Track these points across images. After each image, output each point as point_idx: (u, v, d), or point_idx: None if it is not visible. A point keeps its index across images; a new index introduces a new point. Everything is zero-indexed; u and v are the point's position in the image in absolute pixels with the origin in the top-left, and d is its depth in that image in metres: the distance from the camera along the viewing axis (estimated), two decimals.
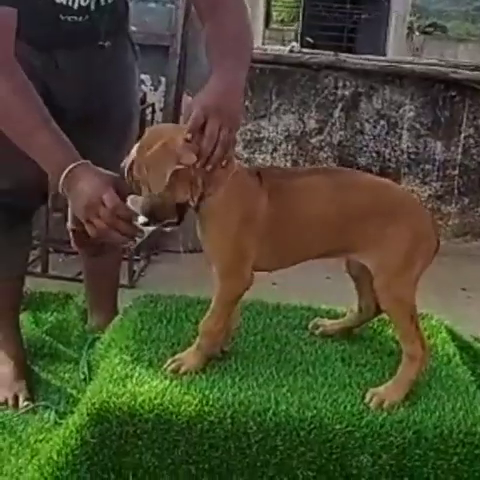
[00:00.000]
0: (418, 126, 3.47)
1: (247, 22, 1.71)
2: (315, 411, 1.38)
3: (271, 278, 2.68)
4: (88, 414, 1.39)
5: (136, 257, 3.07)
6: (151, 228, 1.46)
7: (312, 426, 1.37)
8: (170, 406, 1.37)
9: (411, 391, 1.45)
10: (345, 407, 1.40)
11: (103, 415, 1.38)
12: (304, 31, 6.32)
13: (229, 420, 1.37)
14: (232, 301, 1.46)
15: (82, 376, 1.91)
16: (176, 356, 1.50)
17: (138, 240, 1.50)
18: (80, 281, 2.52)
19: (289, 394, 1.42)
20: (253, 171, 1.44)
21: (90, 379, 1.78)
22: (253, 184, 1.41)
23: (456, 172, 3.52)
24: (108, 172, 1.52)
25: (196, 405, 1.38)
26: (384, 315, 1.66)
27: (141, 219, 1.42)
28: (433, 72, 3.35)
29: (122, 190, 1.46)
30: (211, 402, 1.38)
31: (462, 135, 3.46)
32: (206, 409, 1.37)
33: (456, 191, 3.56)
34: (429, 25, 9.06)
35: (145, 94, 3.19)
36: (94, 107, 1.87)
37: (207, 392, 1.40)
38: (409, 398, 1.44)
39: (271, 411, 1.37)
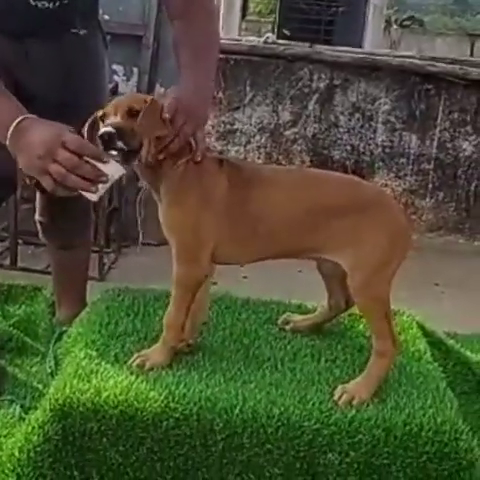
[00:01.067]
0: (393, 119, 3.46)
1: (217, 22, 1.75)
2: (283, 408, 1.36)
3: (242, 271, 2.68)
4: (51, 410, 1.35)
5: (106, 250, 3.02)
6: (116, 175, 1.35)
7: (279, 423, 1.34)
8: (135, 402, 1.35)
9: (380, 388, 1.44)
10: (313, 404, 1.38)
11: (66, 411, 1.35)
12: (281, 23, 6.28)
13: (195, 417, 1.34)
14: (189, 288, 1.43)
15: (49, 370, 1.88)
16: (142, 351, 1.47)
17: (101, 189, 1.35)
18: (49, 274, 2.47)
19: (257, 390, 1.40)
20: (214, 157, 1.45)
21: (57, 373, 1.74)
22: (212, 167, 1.41)
23: (431, 166, 3.52)
24: (57, 123, 1.41)
25: (162, 401, 1.35)
26: (354, 310, 1.65)
27: (109, 177, 1.33)
28: (409, 65, 3.34)
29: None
30: (177, 398, 1.35)
31: (437, 129, 3.46)
32: (172, 405, 1.35)
33: (430, 185, 3.56)
34: (407, 18, 9.07)
35: (117, 84, 3.14)
36: (65, 95, 1.83)
37: (173, 388, 1.38)
38: (378, 395, 1.42)
39: (238, 408, 1.35)
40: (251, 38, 3.51)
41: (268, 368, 1.49)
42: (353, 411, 1.37)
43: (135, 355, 1.46)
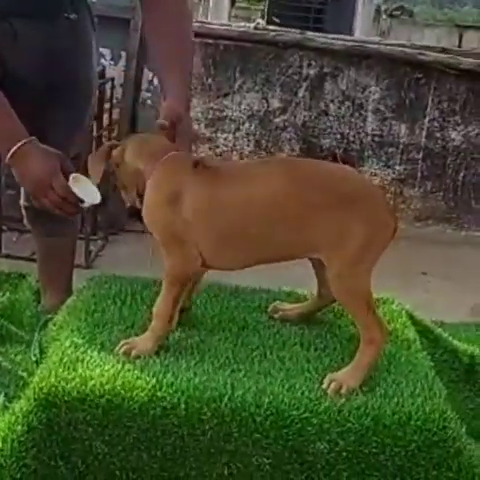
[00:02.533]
0: (383, 108, 3.44)
1: (189, 21, 1.84)
2: (272, 397, 1.35)
3: None
4: (35, 399, 1.33)
5: (93, 237, 2.99)
6: (94, 203, 1.60)
7: (268, 412, 1.33)
8: (122, 391, 1.33)
9: (369, 376, 1.43)
10: (302, 393, 1.37)
11: (51, 400, 1.32)
12: (271, 10, 6.23)
13: (183, 406, 1.32)
14: (177, 282, 1.42)
15: (33, 358, 1.84)
16: (129, 339, 1.45)
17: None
18: (35, 261, 2.44)
19: (245, 379, 1.38)
20: (192, 159, 1.44)
21: (41, 362, 1.72)
22: (182, 168, 1.41)
23: (420, 156, 3.51)
24: (54, 150, 1.60)
25: (149, 390, 1.33)
26: None
27: (86, 203, 1.58)
28: (399, 53, 3.32)
29: (66, 168, 1.59)
30: (164, 387, 1.33)
31: (427, 118, 3.45)
32: (159, 394, 1.33)
33: (419, 175, 3.55)
34: (396, 8, 9.06)
35: (104, 68, 3.10)
36: (55, 77, 1.83)
37: (160, 377, 1.35)
38: (367, 383, 1.41)
39: (226, 397, 1.33)
40: (241, 24, 3.47)
41: (257, 357, 1.47)
42: (342, 400, 1.36)
43: (122, 342, 1.44)
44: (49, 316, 1.87)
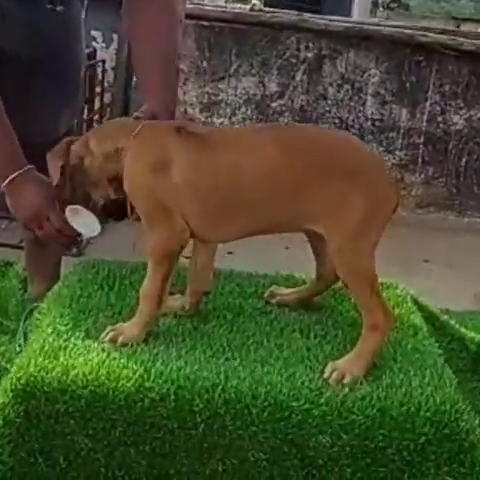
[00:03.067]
0: (383, 92, 3.36)
1: (176, 18, 1.79)
2: (269, 387, 1.26)
3: (227, 247, 2.58)
4: (12, 390, 1.24)
5: None
6: (92, 235, 1.54)
7: (266, 403, 1.24)
8: (107, 381, 1.23)
9: (374, 364, 1.34)
10: (303, 382, 1.28)
11: (30, 391, 1.23)
12: None
13: (173, 397, 1.23)
14: (164, 257, 1.33)
15: (18, 349, 1.74)
16: (116, 325, 1.36)
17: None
18: (23, 249, 2.35)
19: (240, 368, 1.29)
20: (173, 123, 1.37)
21: None
22: (164, 135, 1.33)
23: (421, 140, 3.43)
24: (48, 180, 1.52)
25: (136, 380, 1.24)
26: None
27: (85, 236, 1.54)
28: (400, 35, 3.22)
29: (61, 197, 1.50)
30: (153, 377, 1.25)
31: (428, 102, 3.36)
32: (147, 385, 1.24)
33: (420, 160, 3.47)
34: (393, 1, 9.10)
35: (95, 50, 3.01)
36: (40, 52, 1.77)
37: (149, 365, 1.27)
38: (372, 372, 1.32)
39: (220, 387, 1.25)
40: (237, 5, 3.37)
41: (253, 344, 1.39)
42: (345, 390, 1.27)
43: (108, 329, 1.36)
44: (35, 304, 1.76)
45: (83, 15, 1.92)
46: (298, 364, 1.33)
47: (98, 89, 3.08)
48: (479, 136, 3.39)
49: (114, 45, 3.20)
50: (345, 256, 1.30)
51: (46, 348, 1.30)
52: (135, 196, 1.34)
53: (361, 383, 1.29)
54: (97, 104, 3.08)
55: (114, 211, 1.43)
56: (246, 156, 1.29)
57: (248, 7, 3.29)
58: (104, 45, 3.19)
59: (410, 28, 3.26)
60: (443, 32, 3.19)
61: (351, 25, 3.28)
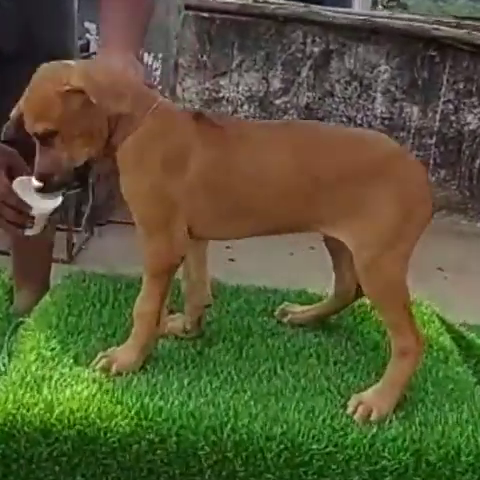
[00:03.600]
0: (393, 89, 3.21)
1: None
2: (286, 426, 1.10)
3: (228, 253, 2.44)
4: None
5: (76, 228, 2.73)
6: (47, 208, 1.29)
7: (282, 446, 1.09)
8: (97, 420, 1.08)
9: (404, 397, 1.17)
10: (324, 420, 1.12)
11: (8, 431, 1.08)
12: None
13: (174, 438, 1.07)
14: (163, 270, 1.18)
15: (2, 368, 1.59)
16: (108, 350, 1.21)
17: (28, 231, 1.33)
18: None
19: (252, 403, 1.14)
20: (189, 112, 1.20)
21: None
22: (183, 124, 1.15)
23: (433, 141, 3.28)
24: (4, 147, 1.33)
25: (132, 418, 1.09)
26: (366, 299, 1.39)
27: (35, 211, 1.28)
28: (412, 28, 3.06)
29: (17, 166, 1.31)
30: (151, 414, 1.09)
31: (441, 100, 3.22)
32: (144, 423, 1.08)
33: (432, 161, 3.33)
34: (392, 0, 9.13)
35: (89, 42, 2.84)
36: (26, 44, 1.63)
37: (146, 400, 1.11)
38: (402, 406, 1.16)
39: (229, 426, 1.09)
40: None
41: (265, 373, 1.23)
42: (373, 429, 1.11)
43: (99, 355, 1.20)
44: (21, 319, 1.62)
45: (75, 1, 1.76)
46: (317, 397, 1.18)
47: None
48: None
49: None
50: (373, 270, 1.15)
51: (27, 379, 1.14)
52: (135, 198, 1.16)
53: (391, 421, 1.13)
54: None
55: (79, 177, 1.20)
56: (265, 153, 1.15)
57: None
58: (98, 37, 3.02)
59: (423, 21, 3.10)
60: (458, 26, 3.03)
61: (360, 18, 3.13)
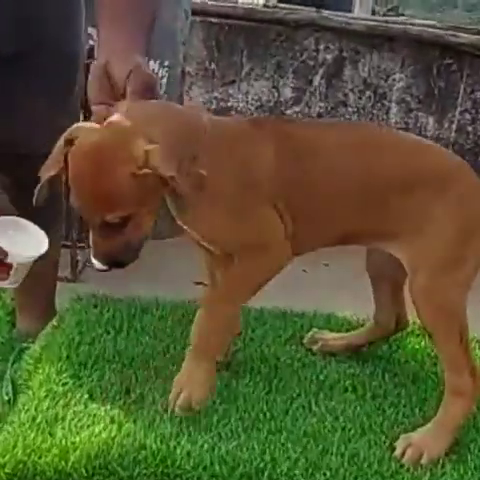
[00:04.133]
0: (409, 98, 3.11)
1: None
2: (329, 473, 0.99)
3: None
4: None
5: (81, 244, 2.61)
6: (29, 257, 1.13)
7: None
8: (119, 468, 0.96)
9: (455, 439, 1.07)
10: (370, 465, 1.01)
11: None
12: None
13: None
14: (259, 287, 1.06)
15: (5, 397, 1.51)
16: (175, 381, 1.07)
17: (4, 285, 1.17)
18: None
19: (289, 445, 1.04)
20: (251, 120, 1.11)
21: (15, 402, 1.37)
22: (248, 134, 1.03)
23: None
24: None
25: (157, 466, 0.97)
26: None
27: (10, 258, 1.10)
28: (428, 35, 2.96)
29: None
30: (178, 459, 0.98)
31: (458, 110, 3.11)
32: (171, 472, 0.97)
33: None
34: (390, 9, 9.21)
35: (92, 48, 2.73)
36: (26, 44, 1.53)
37: (172, 443, 1.00)
38: (453, 449, 1.05)
39: (266, 473, 0.98)
40: (249, 0, 3.13)
41: (300, 410, 1.13)
42: (426, 476, 0.99)
43: (173, 393, 1.06)
44: (25, 345, 1.61)
45: None
46: (359, 437, 1.07)
47: None
48: None
49: None
50: (433, 293, 1.05)
51: (38, 419, 1.03)
52: (224, 227, 1.03)
53: (443, 465, 1.03)
54: None
55: None
56: (336, 158, 1.05)
57: (261, 2, 3.04)
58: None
59: (440, 28, 3.00)
60: (477, 32, 2.93)
61: (375, 23, 3.03)
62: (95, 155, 0.92)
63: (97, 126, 0.96)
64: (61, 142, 0.97)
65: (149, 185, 0.92)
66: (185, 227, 1.04)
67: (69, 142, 0.96)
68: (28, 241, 1.11)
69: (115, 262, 1.02)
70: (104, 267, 1.02)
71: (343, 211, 1.06)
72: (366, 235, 1.08)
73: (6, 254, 1.09)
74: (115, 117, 0.96)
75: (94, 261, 1.03)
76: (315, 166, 1.04)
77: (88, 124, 0.99)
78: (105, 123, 0.95)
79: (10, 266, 1.10)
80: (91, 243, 1.00)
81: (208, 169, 0.95)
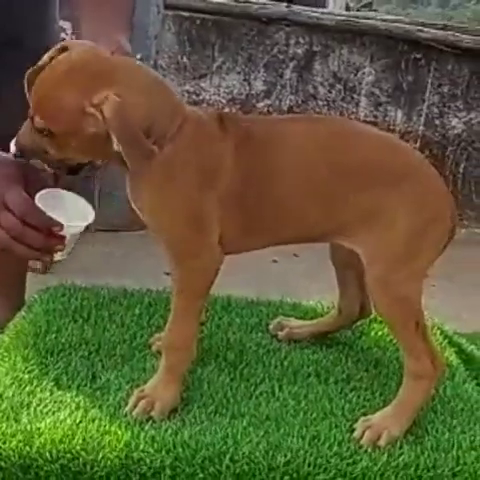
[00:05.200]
0: (378, 92, 3.15)
1: None
2: (290, 454, 1.00)
3: None
4: None
5: None
6: (81, 225, 1.10)
7: (286, 477, 0.99)
8: (83, 452, 0.97)
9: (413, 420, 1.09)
10: (330, 447, 1.03)
11: None
12: None
13: (169, 471, 0.97)
14: (201, 291, 1.07)
15: None
16: (137, 391, 1.07)
17: (59, 255, 1.14)
18: None
19: (252, 429, 1.04)
20: (213, 114, 1.07)
21: None
22: (213, 130, 1.04)
23: (417, 145, 3.23)
24: (11, 158, 1.12)
25: (121, 450, 0.98)
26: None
27: (66, 228, 1.07)
28: (397, 30, 3.00)
29: (33, 181, 1.12)
30: (142, 445, 0.98)
31: (425, 104, 3.15)
32: (135, 456, 0.97)
33: None
34: (364, 5, 9.30)
35: (64, 40, 2.72)
36: (5, 36, 1.51)
37: (136, 429, 1.00)
38: (411, 430, 1.08)
39: (228, 456, 0.98)
40: None
41: (263, 395, 1.14)
42: (384, 456, 1.02)
43: (133, 398, 1.05)
44: None
45: None
46: (320, 420, 1.09)
47: None
48: (479, 141, 3.19)
49: None
50: (388, 285, 1.06)
51: (3, 406, 1.03)
52: (168, 219, 1.03)
53: (401, 446, 1.04)
54: None
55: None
56: (294, 152, 1.05)
57: None
58: (73, 37, 2.90)
59: (408, 23, 3.04)
60: (444, 28, 2.97)
61: (345, 19, 3.06)
62: (68, 68, 0.97)
63: (94, 48, 1.01)
64: (55, 47, 1.01)
65: (88, 127, 0.95)
66: (135, 209, 1.06)
67: (61, 50, 1.00)
68: (75, 211, 1.10)
69: (25, 154, 1.04)
70: (15, 152, 1.04)
71: (300, 209, 1.06)
72: (323, 232, 1.09)
73: (62, 225, 1.07)
74: (119, 53, 1.04)
75: (12, 145, 1.06)
76: (273, 163, 1.05)
77: (88, 43, 1.03)
78: (106, 52, 1.01)
79: (64, 237, 1.09)
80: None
81: (170, 154, 0.98)
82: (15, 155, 1.07)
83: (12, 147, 1.06)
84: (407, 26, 2.99)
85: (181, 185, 1.01)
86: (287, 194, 1.05)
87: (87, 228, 1.13)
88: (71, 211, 1.10)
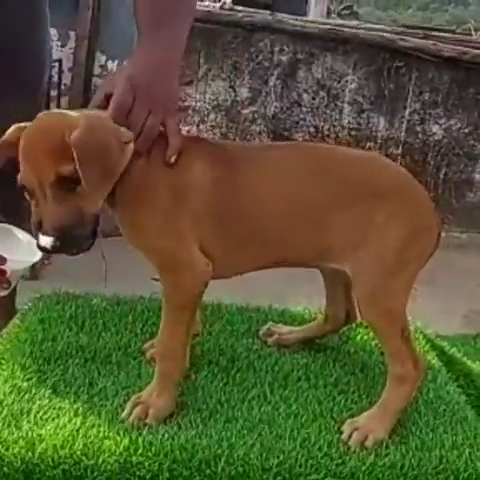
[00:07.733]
0: (360, 99, 3.20)
1: None
2: (282, 456, 1.04)
3: None
4: None
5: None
6: (27, 262, 1.12)
7: (279, 478, 1.03)
8: (84, 457, 1.00)
9: (398, 421, 1.14)
10: (320, 448, 1.07)
11: None
12: None
13: (167, 474, 1.00)
14: (188, 303, 1.10)
15: None
16: (134, 397, 1.10)
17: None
18: None
19: (245, 432, 1.08)
20: (187, 137, 1.13)
21: None
22: (185, 150, 1.08)
23: (399, 151, 3.27)
24: None
25: (120, 454, 1.01)
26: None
27: (8, 264, 1.08)
28: (379, 39, 3.05)
29: None
30: (141, 449, 1.01)
31: (407, 111, 3.21)
32: (134, 459, 1.00)
33: None
34: (344, 8, 9.37)
35: (51, 48, 2.73)
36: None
37: (134, 435, 1.04)
38: (396, 431, 1.12)
39: (223, 459, 1.02)
40: (205, 3, 3.15)
41: (255, 399, 1.17)
42: (371, 456, 1.06)
43: (130, 403, 1.09)
44: None
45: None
46: (311, 423, 1.13)
47: (54, 92, 2.82)
48: (459, 147, 3.25)
49: (71, 44, 2.93)
50: (376, 298, 1.10)
51: (4, 413, 1.06)
52: (145, 238, 1.07)
53: (387, 446, 1.09)
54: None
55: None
56: (273, 174, 1.09)
57: (218, 5, 3.07)
58: (59, 43, 2.92)
59: (390, 32, 3.10)
60: (425, 37, 3.03)
61: (329, 27, 3.10)
62: (44, 126, 1.00)
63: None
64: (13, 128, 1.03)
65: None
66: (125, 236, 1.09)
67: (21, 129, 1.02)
68: (20, 248, 1.12)
69: (66, 234, 0.96)
70: (52, 242, 0.94)
71: (278, 233, 1.09)
72: (310, 254, 1.11)
73: (5, 260, 1.09)
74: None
75: (41, 236, 0.95)
76: (250, 182, 1.08)
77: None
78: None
79: (5, 272, 1.10)
80: (41, 214, 0.95)
81: (145, 174, 1.04)
82: (52, 249, 0.96)
83: (43, 240, 0.95)
84: (389, 35, 3.05)
85: (153, 205, 1.05)
86: (267, 215, 1.08)
87: (33, 266, 1.12)
88: (19, 247, 1.12)
